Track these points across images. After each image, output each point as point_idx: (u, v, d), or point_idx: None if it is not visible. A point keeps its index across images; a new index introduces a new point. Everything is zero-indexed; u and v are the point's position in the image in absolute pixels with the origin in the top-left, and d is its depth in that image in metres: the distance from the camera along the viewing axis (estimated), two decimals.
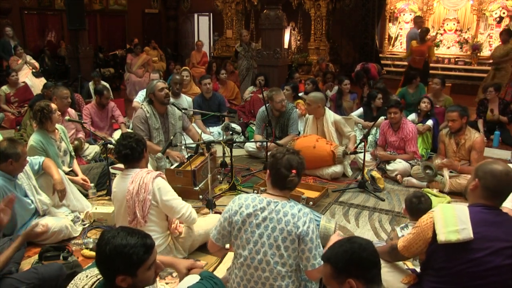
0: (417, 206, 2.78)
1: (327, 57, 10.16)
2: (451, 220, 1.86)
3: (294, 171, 2.09)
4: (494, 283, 1.83)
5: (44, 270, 2.38)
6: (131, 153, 2.71)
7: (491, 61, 8.05)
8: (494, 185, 1.91)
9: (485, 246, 1.83)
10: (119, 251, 1.56)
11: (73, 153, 4.12)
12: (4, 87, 6.95)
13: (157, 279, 2.07)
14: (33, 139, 3.73)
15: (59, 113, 4.02)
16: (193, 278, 2.23)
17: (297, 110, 5.75)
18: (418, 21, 9.03)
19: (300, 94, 6.43)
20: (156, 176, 2.70)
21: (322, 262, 2.02)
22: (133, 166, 2.76)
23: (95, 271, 1.83)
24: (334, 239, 2.36)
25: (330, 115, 4.82)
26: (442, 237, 1.85)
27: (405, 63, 9.11)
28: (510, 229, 1.89)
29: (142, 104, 4.53)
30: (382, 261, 2.32)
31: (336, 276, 1.56)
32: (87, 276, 1.80)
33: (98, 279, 1.76)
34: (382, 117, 4.93)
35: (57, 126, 4.00)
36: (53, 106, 3.86)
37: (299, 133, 5.34)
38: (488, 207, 1.92)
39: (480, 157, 4.14)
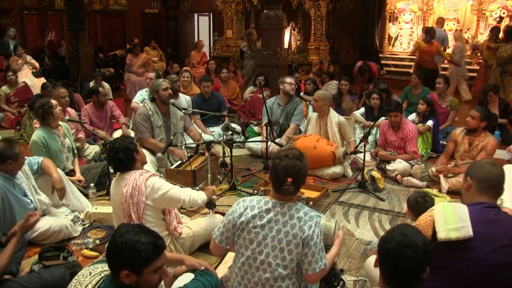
0: (423, 206, 2.77)
1: (327, 57, 10.15)
2: (451, 218, 1.86)
3: (289, 179, 1.99)
4: (495, 281, 1.82)
5: (48, 275, 2.36)
6: (121, 163, 2.72)
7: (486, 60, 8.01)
8: (485, 178, 1.97)
9: (485, 244, 1.83)
10: (129, 245, 1.59)
11: (75, 151, 4.15)
12: (4, 87, 6.95)
13: None
14: (36, 134, 3.78)
15: (61, 108, 4.04)
16: (188, 277, 2.24)
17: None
18: (440, 21, 8.99)
19: (300, 94, 6.43)
20: (148, 177, 2.69)
21: (322, 266, 2.03)
22: (128, 170, 2.75)
23: (98, 268, 1.83)
24: (338, 240, 2.36)
25: (335, 116, 4.82)
26: (442, 234, 1.84)
27: (405, 63, 9.10)
28: (509, 227, 1.89)
29: (144, 102, 4.56)
30: None
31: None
32: (90, 273, 1.80)
33: (102, 277, 1.76)
34: (383, 118, 4.94)
35: (61, 123, 4.03)
36: (54, 102, 3.89)
37: (300, 131, 5.34)
38: (487, 206, 1.93)
39: (487, 158, 4.15)
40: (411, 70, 8.36)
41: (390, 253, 1.60)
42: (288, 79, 5.39)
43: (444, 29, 9.29)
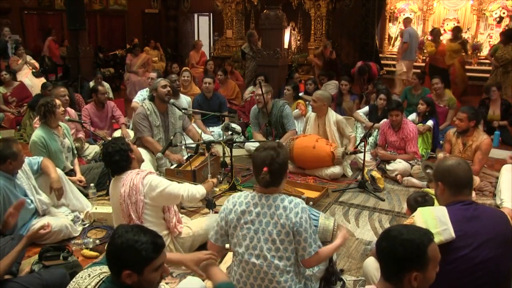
0: (423, 206, 2.77)
1: (330, 45, 10.06)
2: (432, 223, 1.89)
3: (265, 168, 2.07)
4: (482, 277, 1.85)
5: (48, 276, 2.37)
6: (118, 166, 2.71)
7: (493, 61, 8.00)
8: (454, 179, 1.99)
9: (468, 242, 1.86)
10: (130, 245, 1.61)
11: (75, 152, 4.15)
12: (1, 88, 6.94)
13: None
14: (35, 134, 3.78)
15: (63, 109, 4.05)
16: (194, 280, 2.24)
17: (297, 110, 5.79)
18: (408, 20, 9.39)
19: (300, 94, 6.44)
20: (145, 175, 2.69)
21: (317, 249, 2.06)
22: (125, 171, 2.75)
23: (97, 270, 1.82)
24: (341, 235, 2.36)
25: (333, 115, 4.82)
26: None
27: None
28: (488, 221, 1.94)
29: (143, 102, 4.56)
30: (375, 260, 2.34)
31: None
32: (89, 275, 1.80)
33: (101, 279, 1.76)
34: (385, 120, 4.95)
35: (60, 123, 4.04)
36: (57, 101, 3.90)
37: (296, 132, 5.33)
38: (465, 203, 1.97)
39: (484, 158, 4.17)
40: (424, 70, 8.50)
41: (381, 238, 1.66)
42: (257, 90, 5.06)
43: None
